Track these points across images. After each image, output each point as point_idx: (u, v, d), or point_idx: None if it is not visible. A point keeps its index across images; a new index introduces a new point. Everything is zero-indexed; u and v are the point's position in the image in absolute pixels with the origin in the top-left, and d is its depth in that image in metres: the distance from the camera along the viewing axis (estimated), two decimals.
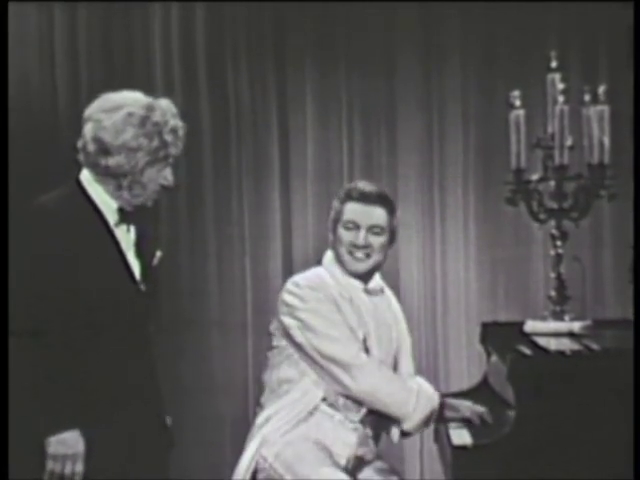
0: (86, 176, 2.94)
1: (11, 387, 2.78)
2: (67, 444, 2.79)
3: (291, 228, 5.02)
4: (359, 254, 3.35)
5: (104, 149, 2.88)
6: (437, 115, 5.03)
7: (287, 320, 3.29)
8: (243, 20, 5.00)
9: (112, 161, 2.88)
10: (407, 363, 3.46)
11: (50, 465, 2.79)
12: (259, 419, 3.30)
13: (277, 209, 5.03)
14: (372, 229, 3.35)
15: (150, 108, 2.90)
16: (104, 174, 2.90)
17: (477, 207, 5.01)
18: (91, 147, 2.90)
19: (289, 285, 3.33)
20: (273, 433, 3.24)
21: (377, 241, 3.36)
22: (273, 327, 3.37)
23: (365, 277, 3.40)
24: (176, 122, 2.93)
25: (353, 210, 3.36)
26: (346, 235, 3.35)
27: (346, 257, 3.35)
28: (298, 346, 3.27)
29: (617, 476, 2.96)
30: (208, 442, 4.71)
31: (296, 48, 5.00)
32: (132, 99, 2.92)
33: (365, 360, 3.25)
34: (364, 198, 3.36)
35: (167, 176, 2.95)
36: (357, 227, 3.34)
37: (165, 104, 2.94)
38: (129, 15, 4.94)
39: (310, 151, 5.04)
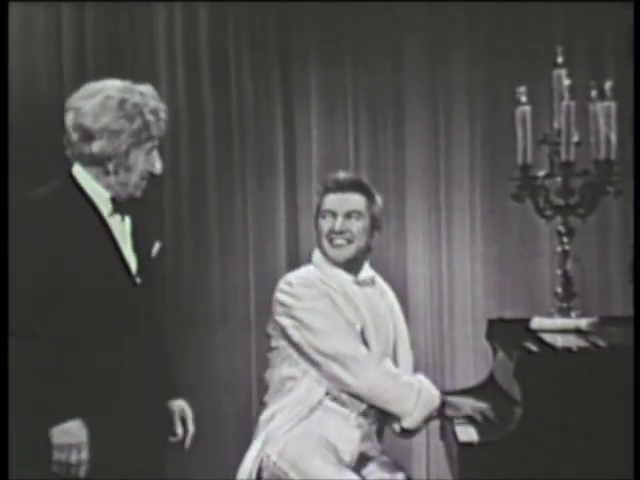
0: (77, 169, 2.95)
1: (12, 384, 2.79)
2: (71, 433, 2.81)
3: (297, 226, 5.01)
4: (339, 240, 3.34)
5: (86, 135, 2.88)
6: (443, 111, 5.03)
7: (283, 320, 3.28)
8: (246, 15, 4.99)
9: (95, 146, 2.88)
10: (405, 354, 3.45)
11: (56, 455, 2.81)
12: (263, 416, 3.31)
13: (282, 207, 5.02)
14: (350, 215, 3.35)
15: (128, 90, 2.90)
16: (90, 162, 2.90)
17: (483, 203, 5.00)
18: (74, 136, 2.91)
19: (282, 284, 3.33)
20: (277, 430, 3.23)
21: (356, 226, 3.35)
22: (271, 328, 3.36)
23: (354, 268, 3.39)
24: (157, 103, 2.92)
25: (330, 200, 3.37)
26: (324, 224, 3.36)
27: (326, 245, 3.36)
28: (296, 345, 3.27)
29: (627, 471, 2.95)
30: (211, 440, 4.70)
31: (301, 44, 5.00)
32: (110, 84, 2.92)
33: (365, 354, 3.24)
34: (339, 187, 3.37)
35: (154, 162, 2.94)
36: (334, 215, 3.35)
37: (144, 88, 2.94)
38: (133, 15, 4.94)
39: (315, 148, 5.03)
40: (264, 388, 3.39)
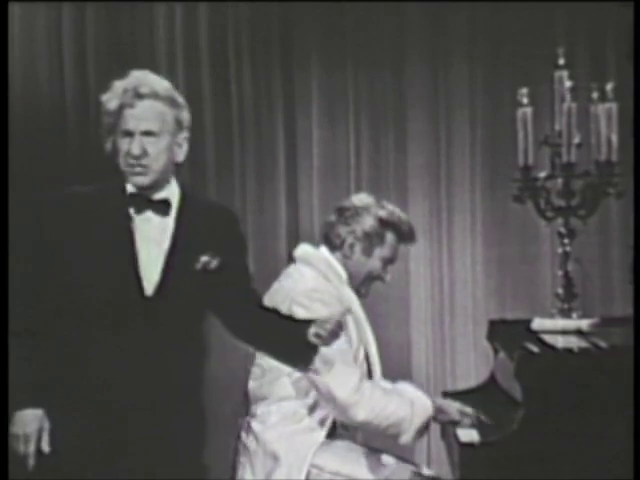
0: None
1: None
2: (21, 423, 2.78)
3: (297, 227, 5.00)
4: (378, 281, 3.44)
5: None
6: (444, 113, 5.02)
7: None
8: (247, 18, 4.98)
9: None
10: (376, 356, 3.45)
11: (13, 444, 2.80)
12: (269, 435, 3.25)
13: (283, 208, 5.01)
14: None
15: (128, 77, 2.86)
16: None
17: (484, 205, 5.00)
18: None
19: (299, 297, 3.26)
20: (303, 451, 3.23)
21: None
22: None
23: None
24: (142, 89, 2.83)
25: (396, 249, 3.41)
26: (379, 268, 3.40)
27: (367, 284, 3.41)
28: None
29: (626, 474, 2.95)
30: (208, 440, 4.68)
31: (302, 45, 4.99)
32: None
33: (359, 397, 3.20)
34: (412, 241, 3.46)
35: (131, 147, 2.81)
36: (390, 262, 3.42)
37: (139, 76, 2.87)
38: (133, 16, 4.93)
39: (316, 149, 5.02)
40: (251, 399, 3.36)
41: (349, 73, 5.02)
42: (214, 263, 2.88)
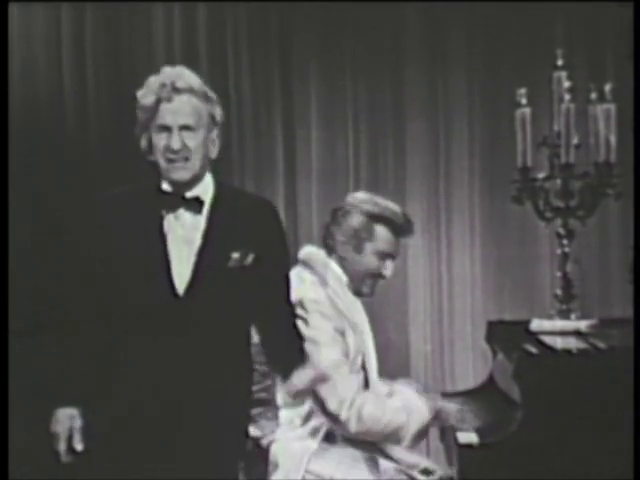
0: None
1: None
2: (54, 421, 2.81)
3: (296, 229, 5.00)
4: (377, 280, 3.39)
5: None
6: (443, 114, 5.02)
7: None
8: (246, 21, 4.98)
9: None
10: (373, 357, 3.44)
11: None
12: (275, 448, 3.25)
13: (282, 211, 5.00)
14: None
15: (162, 72, 2.84)
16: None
17: (483, 206, 5.00)
18: None
19: (298, 307, 3.20)
20: (301, 457, 3.23)
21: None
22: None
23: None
24: (179, 84, 2.80)
25: (393, 244, 3.36)
26: (375, 264, 3.36)
27: (368, 282, 3.38)
28: None
29: (626, 474, 2.95)
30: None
31: (301, 46, 4.99)
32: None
33: (351, 412, 3.20)
34: (409, 233, 3.41)
35: (171, 141, 2.79)
36: (390, 257, 3.37)
37: (175, 71, 2.84)
38: (132, 18, 4.93)
39: (315, 150, 5.02)
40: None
41: (348, 75, 5.02)
42: (249, 258, 2.82)
